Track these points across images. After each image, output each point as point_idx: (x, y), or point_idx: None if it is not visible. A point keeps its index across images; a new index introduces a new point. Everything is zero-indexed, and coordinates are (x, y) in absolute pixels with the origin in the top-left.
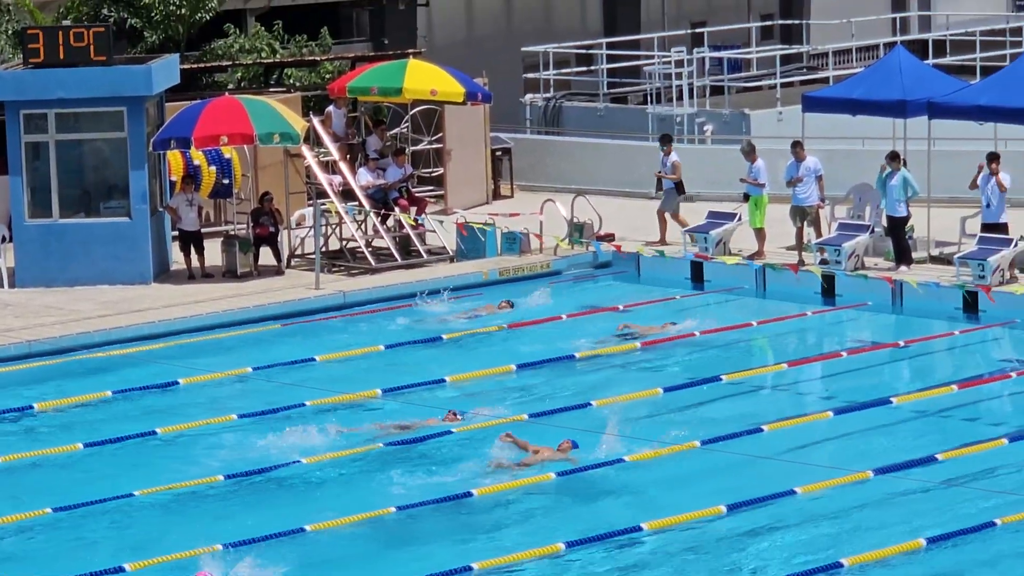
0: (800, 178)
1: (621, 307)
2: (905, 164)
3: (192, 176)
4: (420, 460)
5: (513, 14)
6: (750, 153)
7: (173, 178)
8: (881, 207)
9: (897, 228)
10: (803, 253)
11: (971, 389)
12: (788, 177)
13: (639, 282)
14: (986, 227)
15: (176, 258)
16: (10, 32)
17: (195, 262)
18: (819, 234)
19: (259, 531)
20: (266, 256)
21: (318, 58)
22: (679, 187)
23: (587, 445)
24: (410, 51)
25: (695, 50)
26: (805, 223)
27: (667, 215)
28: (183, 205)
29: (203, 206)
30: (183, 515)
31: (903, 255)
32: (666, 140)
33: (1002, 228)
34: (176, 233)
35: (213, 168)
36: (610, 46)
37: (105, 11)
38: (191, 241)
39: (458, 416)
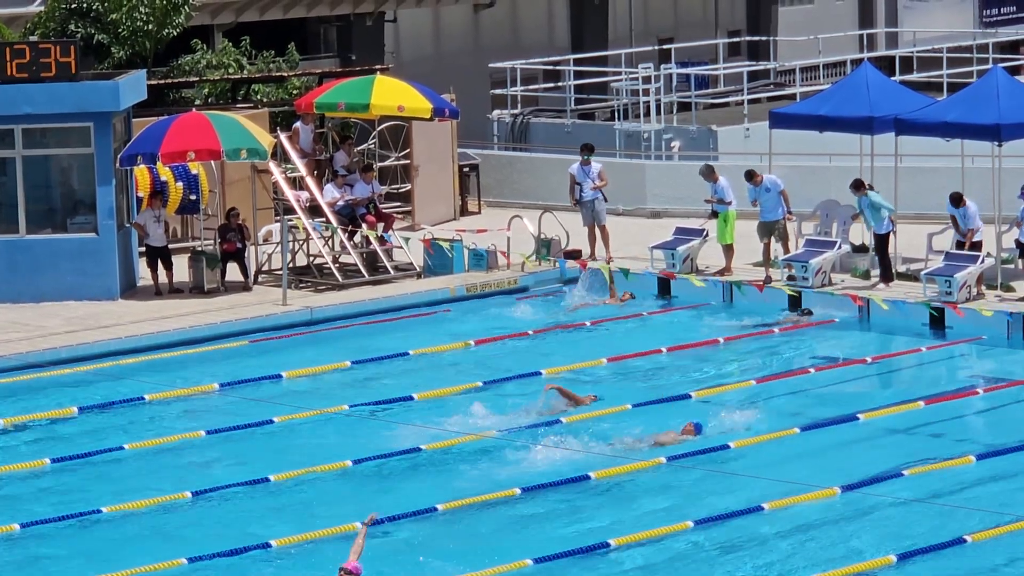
0: (756, 202)
1: (588, 323)
2: (871, 187)
3: (160, 192)
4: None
5: (480, 30)
6: (710, 175)
7: (140, 194)
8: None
9: (880, 247)
10: (770, 269)
11: (938, 405)
12: (753, 197)
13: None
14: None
15: (143, 274)
16: None
17: (163, 278)
18: (786, 249)
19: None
20: (233, 272)
21: (285, 74)
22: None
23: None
24: (377, 67)
25: (662, 66)
26: (772, 238)
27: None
28: (150, 221)
29: (170, 222)
30: (151, 530)
31: (886, 272)
32: (588, 150)
33: (976, 245)
34: (143, 249)
35: (180, 184)
36: (577, 62)
37: (72, 27)
38: (158, 257)
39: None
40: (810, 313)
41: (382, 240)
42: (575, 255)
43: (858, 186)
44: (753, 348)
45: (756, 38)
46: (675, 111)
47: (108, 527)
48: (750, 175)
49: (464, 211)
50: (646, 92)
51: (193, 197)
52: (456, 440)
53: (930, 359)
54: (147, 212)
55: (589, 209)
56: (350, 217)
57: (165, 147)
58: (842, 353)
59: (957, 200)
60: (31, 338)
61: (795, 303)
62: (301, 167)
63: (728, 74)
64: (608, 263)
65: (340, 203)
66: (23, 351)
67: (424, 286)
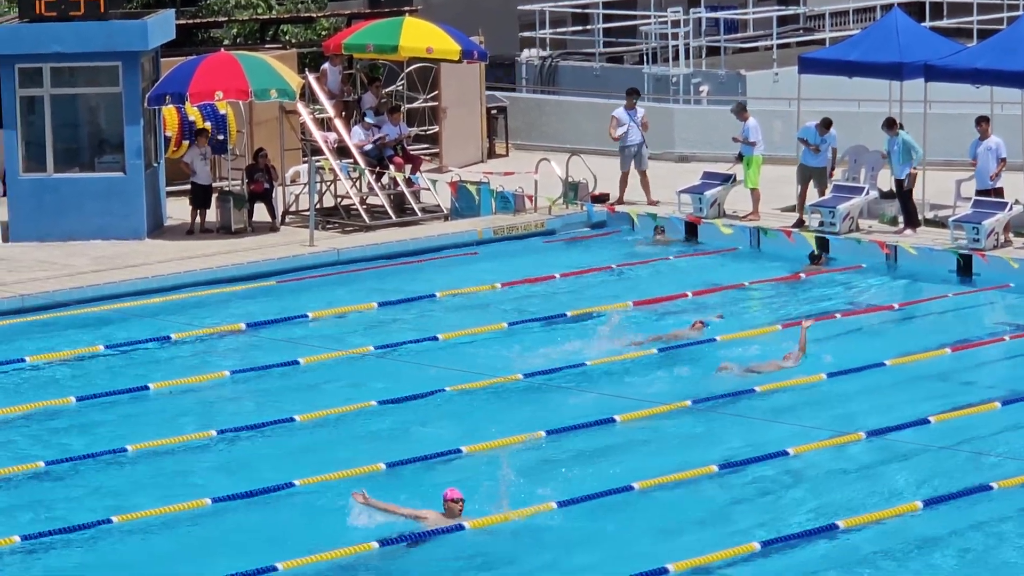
0: (816, 147)
1: (614, 266)
2: (902, 127)
3: (206, 131)
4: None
5: None
6: (741, 112)
7: (168, 134)
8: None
9: (902, 193)
10: (803, 215)
11: (965, 352)
12: (802, 136)
13: (632, 243)
14: None
15: (171, 213)
16: None
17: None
18: (822, 195)
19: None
20: (260, 212)
21: (314, 15)
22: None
23: None
24: (406, 8)
25: (692, 10)
26: (811, 184)
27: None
28: (197, 159)
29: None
30: (175, 470)
31: (911, 218)
32: (635, 94)
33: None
34: (189, 187)
35: (208, 124)
36: (607, 5)
37: None
38: (203, 195)
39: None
40: (821, 259)
41: (409, 182)
42: (602, 199)
43: (890, 125)
44: (779, 293)
45: None
46: (704, 55)
47: (133, 466)
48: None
49: (492, 154)
50: (675, 36)
51: (221, 137)
52: (481, 383)
53: (956, 306)
54: (194, 150)
55: (632, 154)
56: (378, 159)
57: (193, 87)
58: (869, 299)
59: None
60: (58, 277)
61: (815, 256)
62: (329, 108)
63: (757, 19)
64: (651, 205)
65: (368, 145)
66: (50, 290)
67: (451, 228)
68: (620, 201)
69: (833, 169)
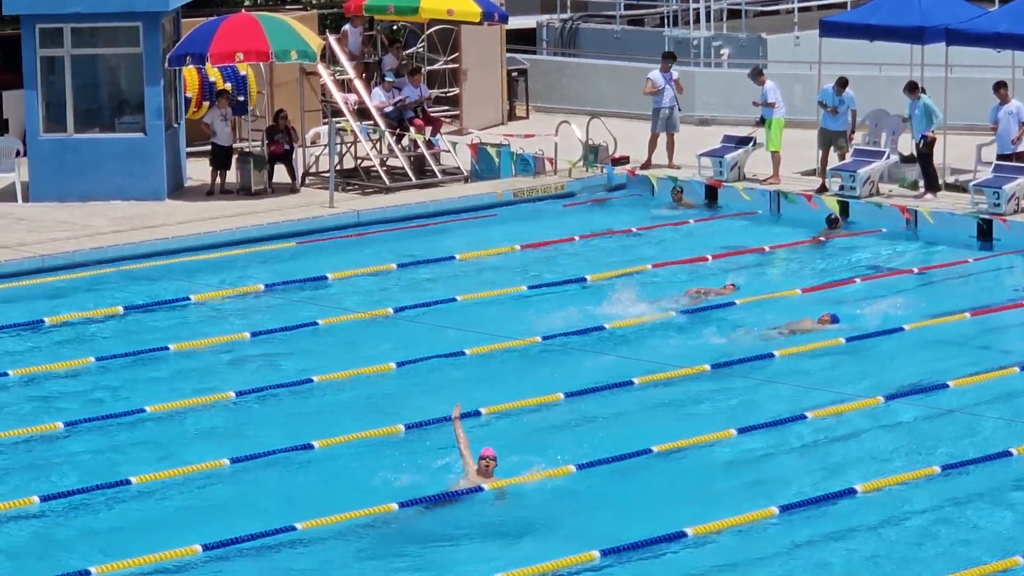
0: (835, 109)
1: (634, 229)
2: (924, 91)
3: (226, 92)
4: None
5: None
6: (757, 76)
7: (189, 95)
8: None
9: (922, 156)
10: (825, 179)
11: (984, 317)
12: (822, 99)
13: (651, 206)
14: None
15: (191, 174)
16: None
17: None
18: (842, 159)
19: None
20: (280, 174)
21: None
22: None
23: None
24: None
25: None
26: (832, 150)
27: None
28: (217, 120)
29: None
30: (193, 431)
31: (931, 183)
32: (671, 57)
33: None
34: (209, 148)
35: (229, 85)
36: None
37: None
38: (224, 156)
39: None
40: (838, 223)
41: (429, 144)
42: (622, 161)
43: (912, 88)
44: (799, 257)
45: None
46: (725, 18)
47: (151, 427)
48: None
49: (512, 116)
50: None
51: (241, 98)
52: (500, 345)
53: (977, 270)
54: (214, 111)
55: (664, 116)
56: (398, 120)
57: (214, 48)
58: (888, 264)
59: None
60: (78, 237)
61: (832, 220)
62: (350, 70)
63: None
64: (672, 168)
65: (388, 106)
66: (70, 250)
67: (471, 190)
68: (648, 164)
69: (853, 132)
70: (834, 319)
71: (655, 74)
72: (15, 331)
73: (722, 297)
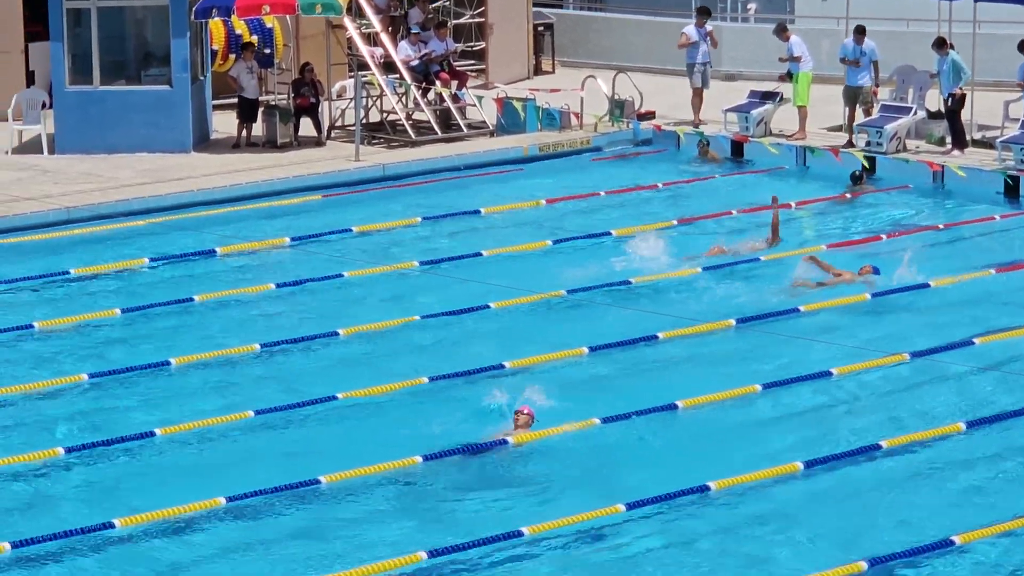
0: (859, 61)
1: (660, 185)
2: (952, 47)
3: (252, 44)
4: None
5: None
6: (782, 32)
7: (215, 47)
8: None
9: (950, 112)
10: (852, 135)
11: (1010, 274)
12: (844, 55)
13: (677, 161)
14: None
15: (217, 127)
16: None
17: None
18: (868, 115)
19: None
20: (306, 127)
21: None
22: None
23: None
24: None
25: None
26: (857, 105)
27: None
28: (243, 73)
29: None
30: (218, 382)
31: (959, 139)
32: (706, 12)
33: None
34: (236, 101)
35: (255, 37)
36: None
37: None
38: (250, 109)
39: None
40: (863, 179)
41: (455, 98)
42: (648, 116)
43: (941, 44)
44: (824, 213)
45: None
46: None
47: (176, 378)
48: (859, 30)
49: (538, 70)
50: None
51: (267, 51)
52: (524, 298)
53: (1003, 227)
54: (240, 64)
55: (699, 71)
56: (424, 74)
57: (240, 0)
58: (915, 220)
59: None
60: (103, 189)
61: (856, 176)
62: (376, 23)
63: None
64: (696, 126)
65: (414, 60)
66: (95, 202)
67: (497, 144)
68: (698, 122)
69: (877, 85)
70: (875, 271)
71: (690, 28)
72: (40, 282)
73: (749, 253)
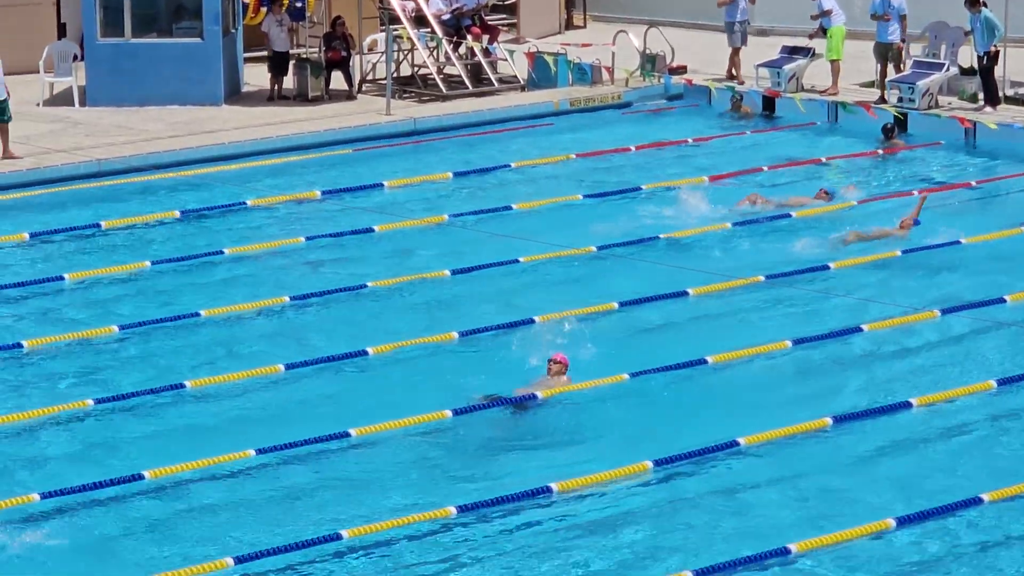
0: (887, 16)
1: (690, 140)
2: (985, 4)
3: None
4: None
5: None
6: None
7: (246, 0)
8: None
9: (983, 69)
10: (885, 92)
11: None
12: (873, 11)
13: (709, 116)
14: None
15: (248, 79)
16: None
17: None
18: (898, 72)
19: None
20: (337, 80)
21: None
22: None
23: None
24: None
25: None
26: (888, 61)
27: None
28: (274, 26)
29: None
30: (250, 334)
31: (991, 95)
32: None
33: None
34: (267, 54)
35: None
36: None
37: None
38: (281, 62)
39: (829, 195)
40: (894, 133)
41: (487, 52)
42: (680, 71)
43: (973, 2)
44: (856, 169)
45: None
46: None
47: (207, 329)
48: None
49: (569, 25)
50: None
51: (299, 4)
52: (554, 253)
53: None
54: (271, 17)
55: (738, 29)
56: (455, 28)
57: None
58: (947, 176)
59: None
60: (134, 142)
61: (888, 130)
62: None
63: None
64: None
65: (446, 14)
66: (126, 154)
67: (528, 99)
68: (740, 80)
69: (903, 40)
70: (916, 222)
71: None
72: (71, 234)
73: (778, 209)
